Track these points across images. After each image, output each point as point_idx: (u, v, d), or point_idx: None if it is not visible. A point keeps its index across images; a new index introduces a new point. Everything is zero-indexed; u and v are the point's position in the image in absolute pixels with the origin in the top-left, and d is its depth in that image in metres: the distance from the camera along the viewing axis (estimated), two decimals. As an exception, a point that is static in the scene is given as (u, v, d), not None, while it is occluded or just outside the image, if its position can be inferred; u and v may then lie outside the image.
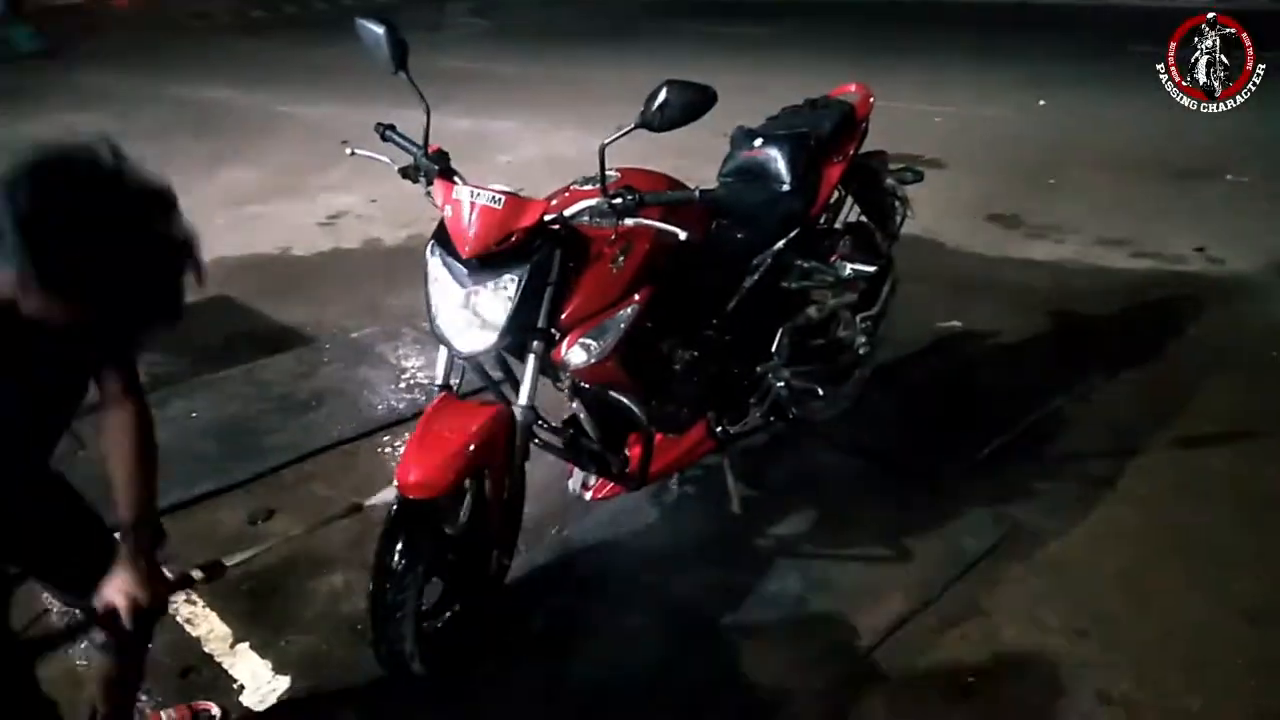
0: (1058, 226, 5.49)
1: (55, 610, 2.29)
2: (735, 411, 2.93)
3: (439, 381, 2.34)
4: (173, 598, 1.93)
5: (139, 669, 2.05)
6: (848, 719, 2.23)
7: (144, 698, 2.29)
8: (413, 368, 3.93)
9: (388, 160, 2.41)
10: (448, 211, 2.21)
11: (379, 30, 2.32)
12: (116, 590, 1.70)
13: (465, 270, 2.17)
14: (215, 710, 2.23)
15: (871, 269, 3.07)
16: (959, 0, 14.27)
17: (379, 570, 2.10)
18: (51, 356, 1.52)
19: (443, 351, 2.33)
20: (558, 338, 2.27)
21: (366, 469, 3.25)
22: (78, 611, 1.79)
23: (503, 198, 2.14)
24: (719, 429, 2.82)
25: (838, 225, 3.32)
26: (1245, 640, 2.44)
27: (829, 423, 3.32)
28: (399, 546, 2.08)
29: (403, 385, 3.82)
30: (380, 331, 4.26)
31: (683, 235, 2.18)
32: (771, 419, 3.06)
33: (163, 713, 2.21)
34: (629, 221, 2.19)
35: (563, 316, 2.25)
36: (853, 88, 3.36)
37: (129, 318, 1.43)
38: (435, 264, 2.24)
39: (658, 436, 2.63)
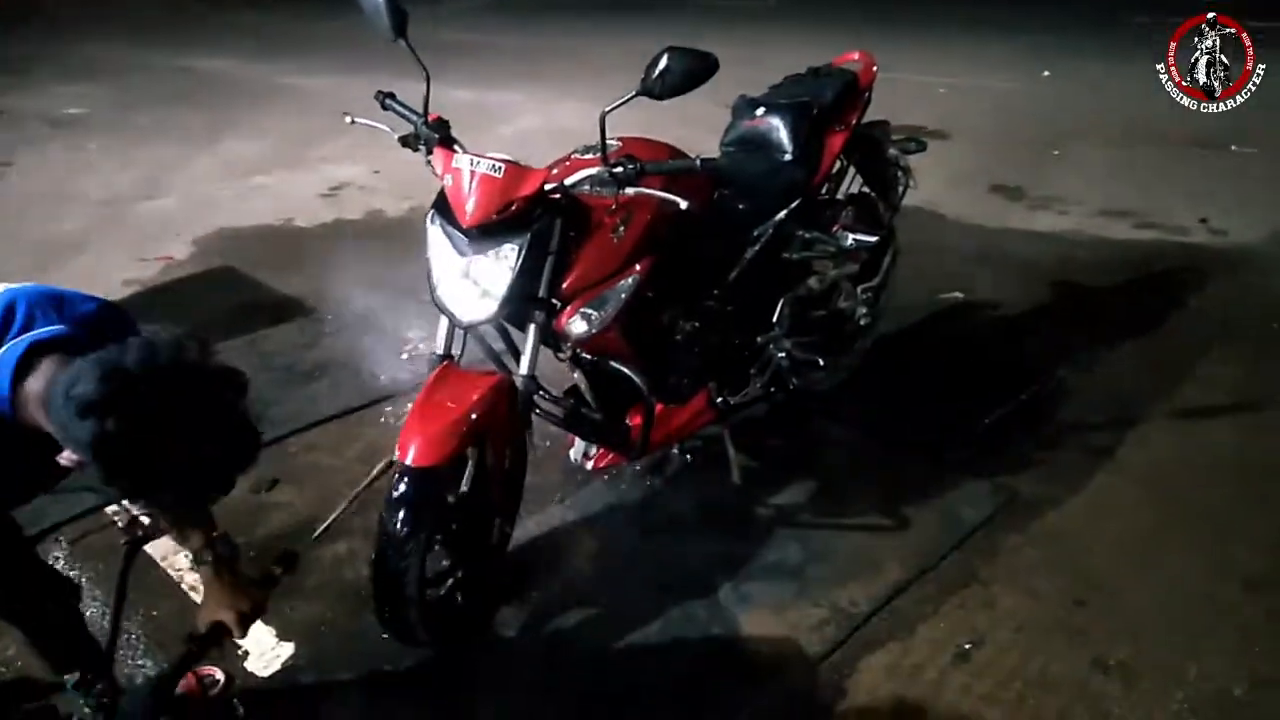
0: (1061, 198, 5.47)
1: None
2: (736, 382, 2.94)
3: (440, 351, 2.34)
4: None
5: None
6: (846, 685, 2.25)
7: (149, 663, 2.32)
8: (415, 338, 3.94)
9: (387, 129, 2.40)
10: (448, 180, 2.21)
11: (379, -3, 2.31)
12: (217, 608, 1.76)
13: (465, 239, 2.17)
14: (220, 675, 2.25)
15: (873, 240, 3.07)
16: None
17: (382, 538, 2.11)
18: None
19: (443, 321, 2.33)
20: (559, 307, 2.27)
21: (369, 438, 3.27)
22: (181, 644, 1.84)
23: (503, 166, 2.13)
24: (720, 399, 2.82)
25: (840, 196, 3.31)
26: (1243, 608, 2.45)
27: (829, 393, 3.33)
28: (401, 514, 2.09)
29: (404, 356, 3.82)
30: (382, 302, 4.27)
31: (684, 205, 2.17)
32: (772, 390, 3.07)
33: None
34: (630, 191, 2.19)
35: (564, 286, 2.25)
36: (856, 56, 3.34)
37: (180, 498, 1.45)
38: (435, 233, 2.23)
39: (658, 407, 2.64)
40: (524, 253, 2.14)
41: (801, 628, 2.42)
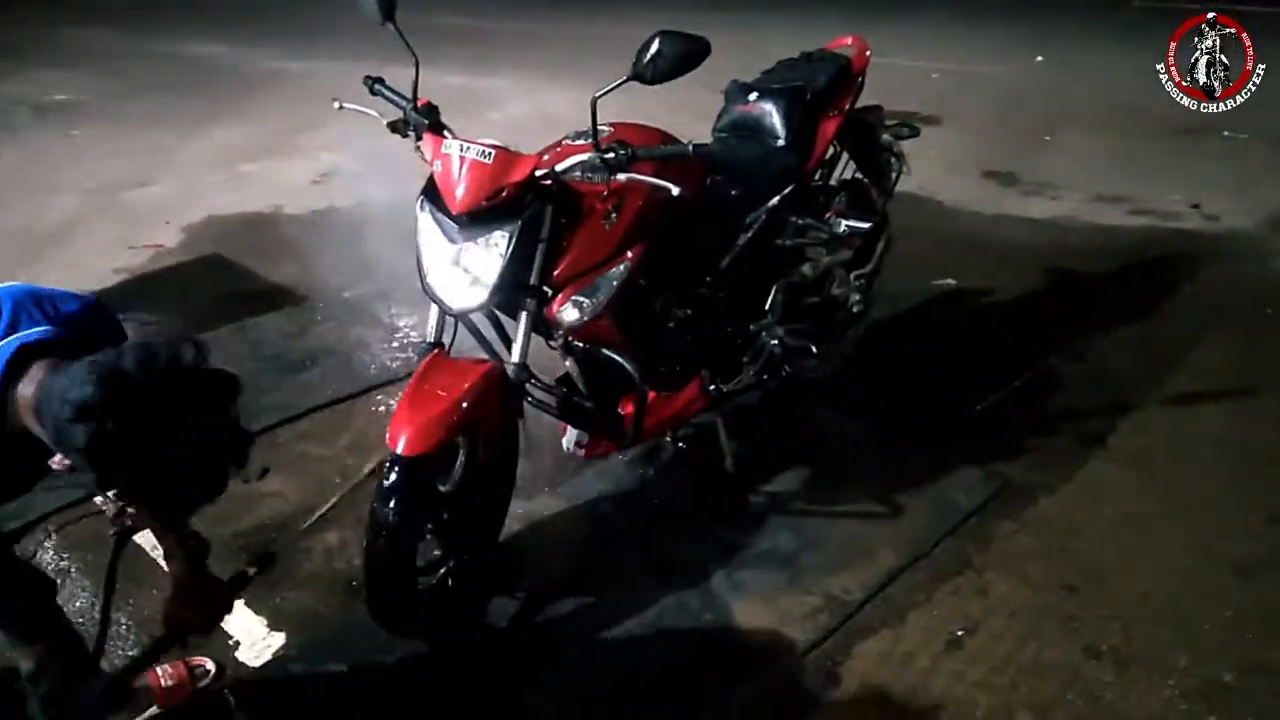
0: (1054, 184, 5.46)
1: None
2: (729, 369, 2.93)
3: (430, 339, 2.33)
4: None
5: None
6: (839, 673, 2.25)
7: (139, 652, 2.31)
8: (405, 326, 3.92)
9: (376, 114, 2.38)
10: (437, 166, 2.19)
11: (367, -20, 2.28)
12: (183, 606, 1.75)
13: (455, 226, 2.15)
14: (210, 665, 2.24)
15: (866, 226, 3.05)
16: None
17: (373, 527, 2.10)
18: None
19: (434, 309, 2.31)
20: (550, 295, 2.26)
21: (360, 427, 3.25)
22: (146, 639, 1.84)
23: (493, 152, 2.11)
24: (712, 387, 2.81)
25: (833, 181, 3.29)
26: (1235, 594, 2.46)
27: (822, 380, 3.32)
28: (392, 504, 2.07)
29: (395, 344, 3.80)
30: (372, 290, 4.24)
31: (676, 191, 2.15)
32: (765, 377, 3.06)
33: (158, 668, 2.22)
34: (621, 177, 2.17)
35: (555, 273, 2.23)
36: (849, 40, 3.33)
37: (171, 502, 1.44)
38: (425, 220, 2.22)
39: (651, 394, 2.62)
40: (515, 240, 2.12)
41: (794, 615, 2.41)
